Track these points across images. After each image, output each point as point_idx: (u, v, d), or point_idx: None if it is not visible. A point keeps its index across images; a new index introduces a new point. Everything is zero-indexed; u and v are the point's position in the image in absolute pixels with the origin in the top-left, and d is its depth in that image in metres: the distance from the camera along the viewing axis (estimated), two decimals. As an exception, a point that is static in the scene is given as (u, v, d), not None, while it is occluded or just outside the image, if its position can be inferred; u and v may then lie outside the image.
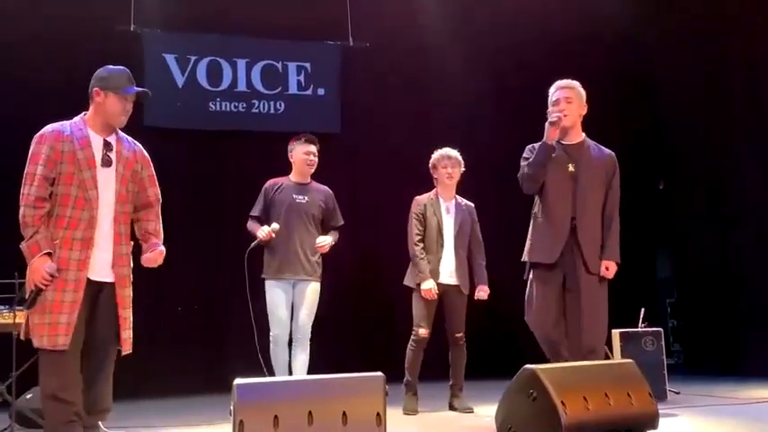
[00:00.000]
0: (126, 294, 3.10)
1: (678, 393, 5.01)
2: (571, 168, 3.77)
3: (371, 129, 7.07)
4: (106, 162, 3.08)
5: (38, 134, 3.06)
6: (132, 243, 3.21)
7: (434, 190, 4.72)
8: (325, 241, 4.49)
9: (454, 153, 4.69)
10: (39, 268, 2.91)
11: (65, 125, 3.09)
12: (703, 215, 7.08)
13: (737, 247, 6.71)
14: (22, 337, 3.02)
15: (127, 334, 3.08)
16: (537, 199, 3.87)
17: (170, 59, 6.75)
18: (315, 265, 4.46)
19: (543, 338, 3.77)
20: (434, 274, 4.51)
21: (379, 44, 7.13)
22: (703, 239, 7.09)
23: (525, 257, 3.87)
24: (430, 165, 4.74)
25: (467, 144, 7.62)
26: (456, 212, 4.63)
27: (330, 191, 4.67)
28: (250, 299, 4.20)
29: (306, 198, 4.53)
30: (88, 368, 3.03)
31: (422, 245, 4.55)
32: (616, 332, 4.94)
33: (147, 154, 3.30)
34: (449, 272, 4.55)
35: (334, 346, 6.02)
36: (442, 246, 4.55)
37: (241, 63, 6.95)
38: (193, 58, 6.82)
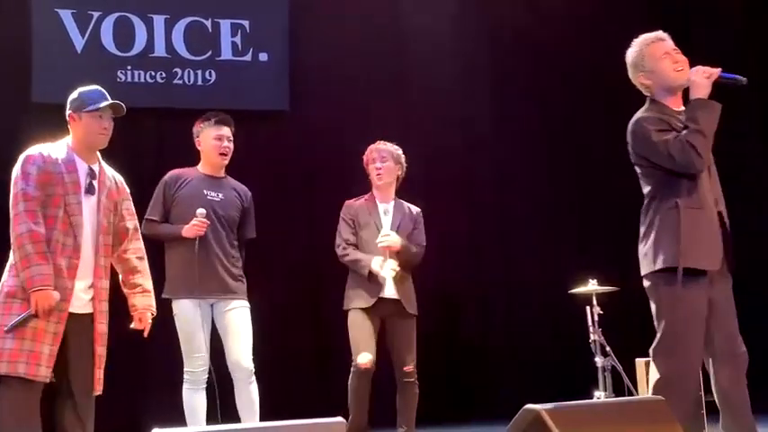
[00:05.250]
0: (103, 331, 3.65)
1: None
2: None
3: (330, 105, 7.08)
4: (90, 190, 3.67)
5: (25, 155, 3.56)
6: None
7: (369, 193, 4.96)
8: None
9: (387, 146, 4.91)
10: (49, 295, 3.37)
11: (46, 147, 3.63)
12: None
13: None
14: None
15: (99, 373, 3.60)
16: (662, 181, 3.47)
17: (65, 16, 6.72)
18: (239, 279, 4.52)
19: (688, 380, 3.52)
20: (375, 289, 4.66)
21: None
22: None
23: (669, 263, 3.41)
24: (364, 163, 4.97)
25: (454, 124, 7.61)
26: (395, 213, 4.87)
27: (248, 191, 4.73)
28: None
29: (220, 195, 4.57)
30: (73, 411, 3.46)
31: (351, 248, 4.75)
32: (641, 361, 5.01)
33: (126, 186, 3.95)
34: (388, 284, 4.71)
35: (282, 383, 6.03)
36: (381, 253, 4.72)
37: (158, 20, 6.95)
38: (96, 15, 6.80)
